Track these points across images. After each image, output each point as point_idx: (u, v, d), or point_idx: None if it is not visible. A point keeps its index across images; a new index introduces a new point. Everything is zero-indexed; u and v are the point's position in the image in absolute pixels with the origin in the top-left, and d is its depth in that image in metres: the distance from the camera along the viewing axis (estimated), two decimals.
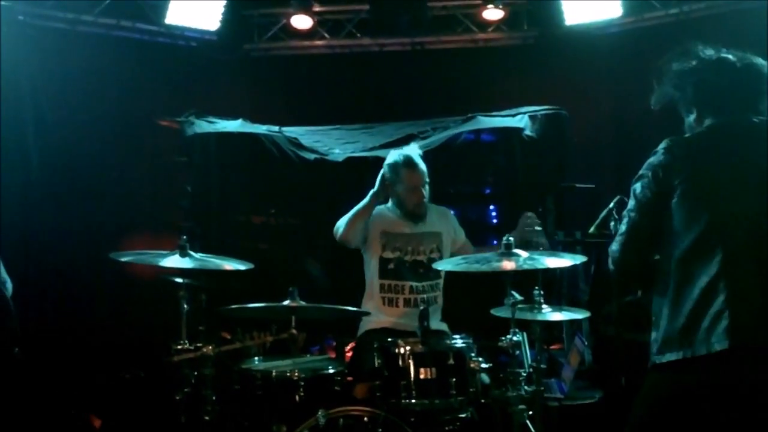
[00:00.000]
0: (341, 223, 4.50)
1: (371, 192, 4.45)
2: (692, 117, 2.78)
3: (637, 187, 2.68)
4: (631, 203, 2.71)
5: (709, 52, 2.75)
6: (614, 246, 2.75)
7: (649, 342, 2.68)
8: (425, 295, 4.44)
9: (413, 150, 4.61)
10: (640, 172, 2.70)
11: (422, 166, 4.51)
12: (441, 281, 4.55)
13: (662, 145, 2.68)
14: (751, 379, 2.41)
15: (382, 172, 4.54)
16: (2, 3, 5.57)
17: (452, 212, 4.84)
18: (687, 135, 2.80)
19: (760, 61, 2.72)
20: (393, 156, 4.56)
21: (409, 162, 4.48)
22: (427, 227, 4.58)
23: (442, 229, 4.61)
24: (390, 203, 4.62)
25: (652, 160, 2.67)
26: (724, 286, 2.47)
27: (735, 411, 2.43)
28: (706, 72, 2.72)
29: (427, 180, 4.52)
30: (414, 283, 4.44)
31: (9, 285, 4.12)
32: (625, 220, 2.73)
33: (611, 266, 2.77)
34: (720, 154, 2.63)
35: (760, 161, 2.56)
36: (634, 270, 2.79)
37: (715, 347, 2.42)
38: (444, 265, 3.89)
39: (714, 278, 2.48)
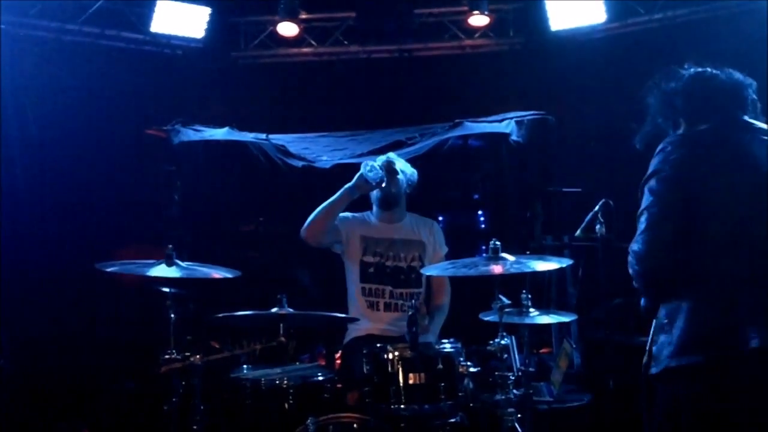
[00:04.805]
0: (308, 219, 4.39)
1: (345, 186, 4.32)
2: (680, 131, 2.80)
3: (653, 183, 2.61)
4: (648, 200, 2.61)
5: (691, 69, 2.84)
6: (637, 245, 2.60)
7: (644, 345, 2.68)
8: (406, 303, 4.27)
9: (396, 158, 4.61)
10: (654, 168, 2.64)
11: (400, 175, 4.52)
12: (421, 292, 4.51)
13: (669, 140, 2.68)
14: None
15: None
16: None
17: (439, 226, 4.78)
18: (685, 133, 2.80)
19: (733, 71, 2.81)
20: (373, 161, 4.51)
21: (389, 167, 4.48)
22: (411, 235, 4.56)
23: (425, 240, 4.58)
24: (373, 208, 4.60)
25: (663, 156, 2.64)
26: (750, 289, 2.49)
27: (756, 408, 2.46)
28: (693, 84, 2.79)
29: (403, 187, 4.53)
30: (393, 288, 4.41)
31: None
32: (644, 218, 2.61)
33: (635, 266, 2.61)
34: (726, 152, 2.64)
35: (760, 161, 2.59)
36: (663, 267, 2.58)
37: (748, 347, 2.43)
38: (432, 270, 3.90)
39: (738, 281, 2.50)
